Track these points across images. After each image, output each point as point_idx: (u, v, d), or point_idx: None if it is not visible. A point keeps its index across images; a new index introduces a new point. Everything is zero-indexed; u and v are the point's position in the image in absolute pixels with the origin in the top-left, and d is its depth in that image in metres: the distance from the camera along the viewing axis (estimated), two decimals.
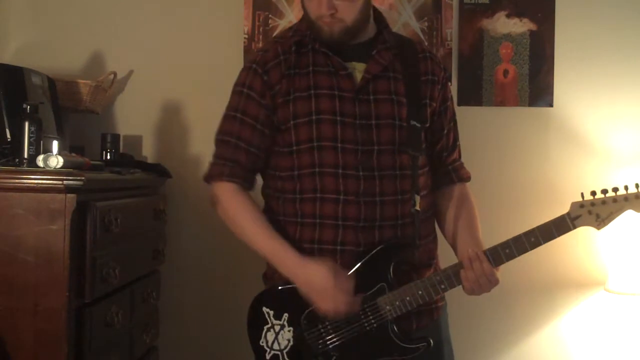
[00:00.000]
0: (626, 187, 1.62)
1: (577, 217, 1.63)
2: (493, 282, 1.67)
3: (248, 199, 1.76)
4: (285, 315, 1.72)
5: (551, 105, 2.74)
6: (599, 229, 1.64)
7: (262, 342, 1.74)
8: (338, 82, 1.72)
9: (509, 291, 2.66)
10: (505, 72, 2.75)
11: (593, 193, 1.62)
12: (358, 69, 1.74)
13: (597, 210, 1.62)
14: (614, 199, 1.62)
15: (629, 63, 2.73)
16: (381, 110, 1.72)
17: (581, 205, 1.63)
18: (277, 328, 1.73)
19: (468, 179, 1.89)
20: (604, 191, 1.62)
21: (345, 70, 1.72)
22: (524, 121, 2.75)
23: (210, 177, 1.79)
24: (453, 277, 1.68)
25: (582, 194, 1.63)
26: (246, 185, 1.77)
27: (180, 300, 2.73)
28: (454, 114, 1.88)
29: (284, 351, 1.72)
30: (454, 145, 1.88)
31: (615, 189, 1.62)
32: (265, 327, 1.74)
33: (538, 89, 2.74)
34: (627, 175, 2.70)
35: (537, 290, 2.72)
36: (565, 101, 2.74)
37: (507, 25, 2.74)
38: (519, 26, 2.74)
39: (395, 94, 1.74)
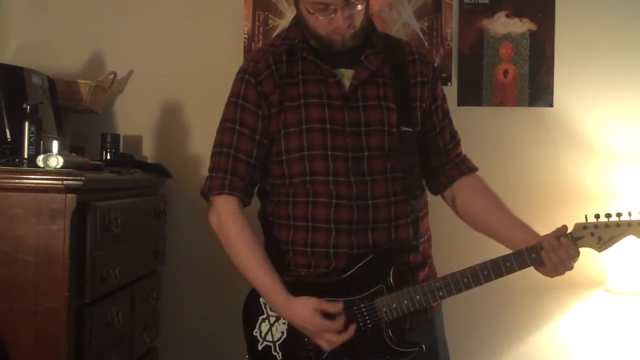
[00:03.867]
0: (630, 213, 1.64)
1: (580, 238, 1.65)
2: (576, 258, 1.66)
3: (247, 224, 1.73)
4: None
5: (551, 105, 2.75)
6: (599, 251, 1.67)
7: (256, 332, 1.74)
8: (327, 90, 1.72)
9: (509, 291, 2.67)
10: (505, 72, 2.75)
11: (597, 216, 1.65)
12: (346, 76, 1.74)
13: (600, 233, 1.65)
14: (617, 224, 1.64)
15: (629, 63, 2.73)
16: (370, 116, 1.72)
17: (584, 226, 1.65)
18: (272, 319, 1.73)
19: (476, 169, 1.89)
20: (608, 215, 1.64)
21: (334, 77, 1.72)
22: (524, 121, 2.75)
23: (209, 191, 1.75)
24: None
25: (585, 216, 1.66)
26: (245, 199, 1.75)
27: (180, 300, 2.73)
28: (447, 112, 1.88)
29: (277, 343, 1.72)
30: (453, 140, 1.87)
31: (619, 214, 1.64)
32: (260, 318, 1.74)
33: (538, 89, 2.74)
34: (627, 175, 2.70)
35: (537, 290, 2.72)
36: (565, 101, 2.74)
37: (507, 25, 2.74)
38: (519, 26, 2.74)
39: (384, 99, 1.74)
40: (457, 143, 1.88)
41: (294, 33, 1.77)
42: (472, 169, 1.87)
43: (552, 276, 1.69)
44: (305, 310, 1.64)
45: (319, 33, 1.69)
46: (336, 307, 1.65)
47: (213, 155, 1.78)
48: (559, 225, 1.69)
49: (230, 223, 1.73)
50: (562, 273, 1.69)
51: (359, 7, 1.66)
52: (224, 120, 1.78)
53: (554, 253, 1.65)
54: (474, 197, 1.84)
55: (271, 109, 1.73)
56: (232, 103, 1.76)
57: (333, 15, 1.65)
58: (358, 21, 1.68)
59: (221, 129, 1.78)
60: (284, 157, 1.73)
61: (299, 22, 1.76)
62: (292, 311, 1.66)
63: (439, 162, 1.85)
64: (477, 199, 1.84)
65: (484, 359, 2.77)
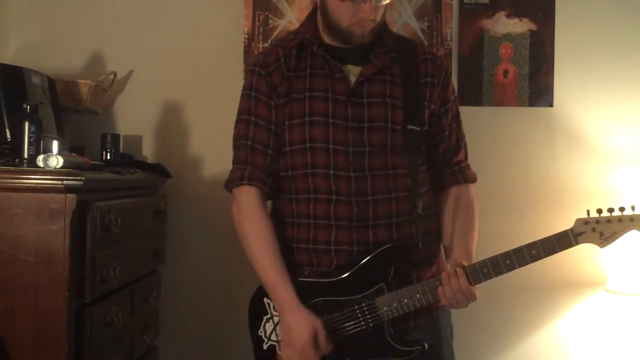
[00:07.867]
0: (633, 207, 1.60)
1: (581, 233, 1.62)
2: (470, 298, 1.68)
3: (266, 218, 1.75)
4: None
5: (551, 105, 2.74)
6: (601, 247, 1.63)
7: (261, 332, 1.76)
8: (333, 85, 1.73)
9: (509, 291, 2.67)
10: (505, 72, 2.75)
11: (599, 211, 1.61)
12: (354, 72, 1.75)
13: (602, 229, 1.61)
14: (619, 219, 1.60)
15: (629, 63, 2.73)
16: (374, 113, 1.73)
17: (585, 222, 1.62)
18: (276, 319, 1.75)
19: (474, 180, 1.88)
20: (610, 210, 1.61)
21: (342, 73, 1.74)
22: (524, 121, 2.75)
23: (231, 182, 1.78)
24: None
25: (587, 211, 1.62)
26: (265, 189, 1.76)
27: (180, 300, 2.73)
28: (457, 115, 1.88)
29: (281, 343, 1.72)
30: (458, 145, 1.87)
31: (621, 209, 1.60)
32: (265, 318, 1.76)
33: (538, 89, 2.74)
34: (626, 175, 2.70)
35: (537, 290, 2.72)
36: (565, 101, 2.74)
37: (507, 25, 2.74)
38: (519, 26, 2.74)
39: (390, 97, 1.75)
40: (461, 149, 1.88)
41: (306, 29, 1.79)
42: (468, 180, 1.87)
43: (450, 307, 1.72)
44: (306, 326, 1.65)
45: (340, 24, 1.70)
46: (326, 346, 1.66)
47: (233, 148, 1.81)
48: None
49: (248, 215, 1.75)
50: (455, 306, 1.69)
51: (387, 0, 1.68)
52: (239, 112, 1.81)
53: (448, 286, 1.65)
54: (449, 209, 1.83)
55: (278, 100, 1.75)
56: (246, 95, 1.80)
57: (362, 5, 1.66)
58: (380, 15, 1.70)
59: (237, 122, 1.81)
60: (287, 149, 1.75)
61: (312, 18, 1.79)
62: (291, 318, 1.67)
63: (441, 164, 1.85)
64: (449, 212, 1.83)
65: (484, 358, 2.77)
